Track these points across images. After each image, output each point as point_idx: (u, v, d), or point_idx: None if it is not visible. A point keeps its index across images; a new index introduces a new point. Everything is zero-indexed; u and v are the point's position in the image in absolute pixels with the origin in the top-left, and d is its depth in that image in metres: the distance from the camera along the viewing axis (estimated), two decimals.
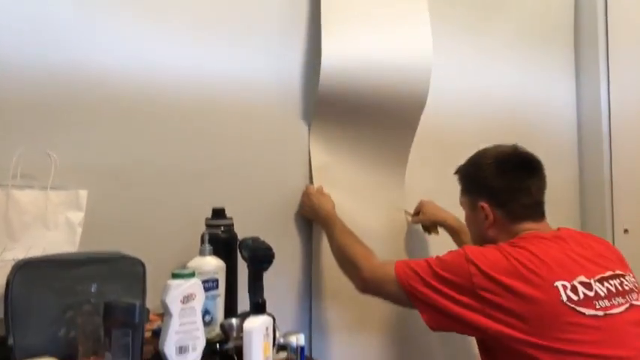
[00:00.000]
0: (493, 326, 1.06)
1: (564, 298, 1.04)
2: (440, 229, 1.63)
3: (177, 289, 0.93)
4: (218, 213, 1.24)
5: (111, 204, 1.27)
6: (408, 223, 1.67)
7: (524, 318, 1.04)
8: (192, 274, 0.96)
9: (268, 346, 0.93)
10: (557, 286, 1.05)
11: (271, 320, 0.95)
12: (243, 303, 1.11)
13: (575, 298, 1.04)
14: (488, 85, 1.90)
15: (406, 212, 1.67)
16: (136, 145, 1.33)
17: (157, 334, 1.00)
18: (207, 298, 1.02)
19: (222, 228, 1.21)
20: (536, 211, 1.24)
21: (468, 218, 1.34)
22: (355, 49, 1.49)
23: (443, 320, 1.12)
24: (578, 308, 1.03)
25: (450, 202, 1.46)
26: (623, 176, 1.99)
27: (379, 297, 1.25)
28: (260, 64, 1.50)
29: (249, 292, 1.09)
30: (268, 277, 1.10)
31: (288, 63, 1.54)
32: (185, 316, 0.93)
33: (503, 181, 1.24)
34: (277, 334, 1.03)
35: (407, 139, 1.63)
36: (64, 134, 1.24)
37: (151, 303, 1.07)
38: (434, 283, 1.12)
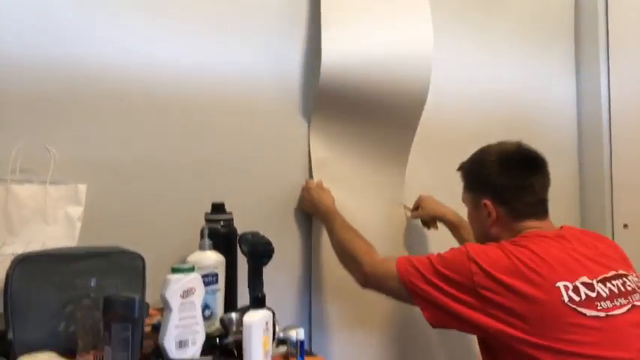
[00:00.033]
0: (493, 325, 1.05)
1: (566, 299, 1.03)
2: (439, 224, 1.63)
3: (177, 283, 0.93)
4: (218, 208, 1.24)
5: (110, 198, 1.27)
6: (407, 218, 1.67)
7: (524, 318, 1.03)
8: (191, 269, 0.97)
9: (268, 340, 0.93)
10: (558, 287, 1.04)
11: (271, 315, 0.95)
12: (243, 297, 1.11)
13: (576, 298, 1.03)
14: (488, 81, 1.89)
15: (405, 207, 1.67)
16: (135, 139, 1.33)
17: (156, 328, 1.00)
18: (206, 292, 1.02)
19: (221, 222, 1.21)
20: (540, 209, 1.23)
21: (470, 215, 1.32)
22: (356, 44, 1.48)
23: (443, 318, 1.11)
24: (580, 309, 1.02)
25: (450, 197, 1.46)
26: (623, 172, 1.99)
27: (380, 292, 1.25)
28: (260, 58, 1.49)
29: (248, 286, 1.09)
30: (268, 271, 1.10)
31: (288, 58, 1.54)
32: (185, 310, 0.93)
33: (507, 179, 1.22)
34: (277, 329, 1.03)
35: (407, 136, 1.62)
36: (64, 129, 1.24)
37: (151, 297, 1.08)
38: (435, 280, 1.11)
